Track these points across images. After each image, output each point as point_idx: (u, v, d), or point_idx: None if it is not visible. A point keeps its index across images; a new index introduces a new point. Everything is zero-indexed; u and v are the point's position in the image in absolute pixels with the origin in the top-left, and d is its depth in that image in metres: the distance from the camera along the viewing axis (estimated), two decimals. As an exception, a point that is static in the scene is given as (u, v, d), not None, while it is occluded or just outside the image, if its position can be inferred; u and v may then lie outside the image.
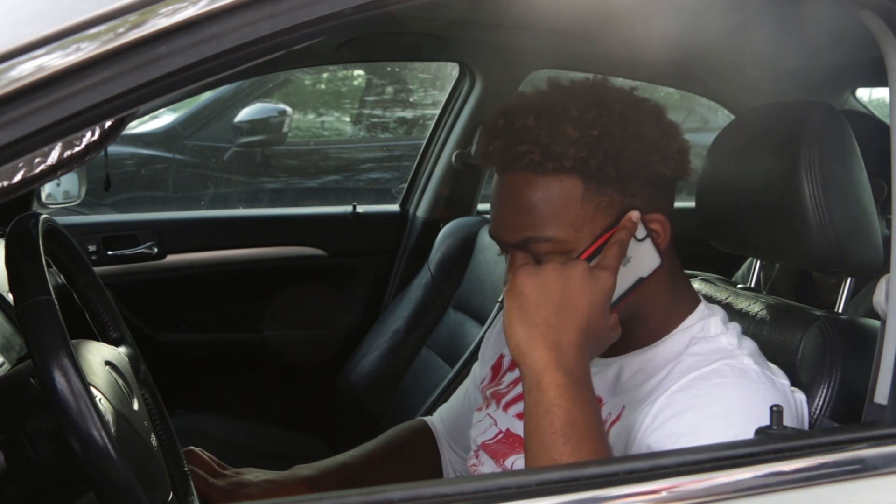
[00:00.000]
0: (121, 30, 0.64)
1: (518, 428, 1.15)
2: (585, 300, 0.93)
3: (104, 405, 0.93)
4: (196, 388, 2.25)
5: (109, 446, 0.84)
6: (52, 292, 0.88)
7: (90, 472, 0.84)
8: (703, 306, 1.10)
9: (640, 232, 1.01)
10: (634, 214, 1.00)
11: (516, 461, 1.12)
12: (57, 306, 0.88)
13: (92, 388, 0.91)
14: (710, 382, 0.97)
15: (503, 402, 1.20)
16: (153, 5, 0.66)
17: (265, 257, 2.50)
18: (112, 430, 0.90)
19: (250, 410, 2.28)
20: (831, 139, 1.16)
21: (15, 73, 0.62)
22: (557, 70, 2.41)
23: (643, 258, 1.02)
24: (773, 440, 0.77)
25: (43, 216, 1.05)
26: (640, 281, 1.02)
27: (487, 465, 1.17)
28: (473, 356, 1.98)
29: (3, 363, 1.36)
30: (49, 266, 1.00)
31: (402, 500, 0.68)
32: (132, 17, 0.66)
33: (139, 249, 2.32)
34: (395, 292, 2.53)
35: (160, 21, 0.65)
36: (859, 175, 1.19)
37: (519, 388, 1.19)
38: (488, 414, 1.22)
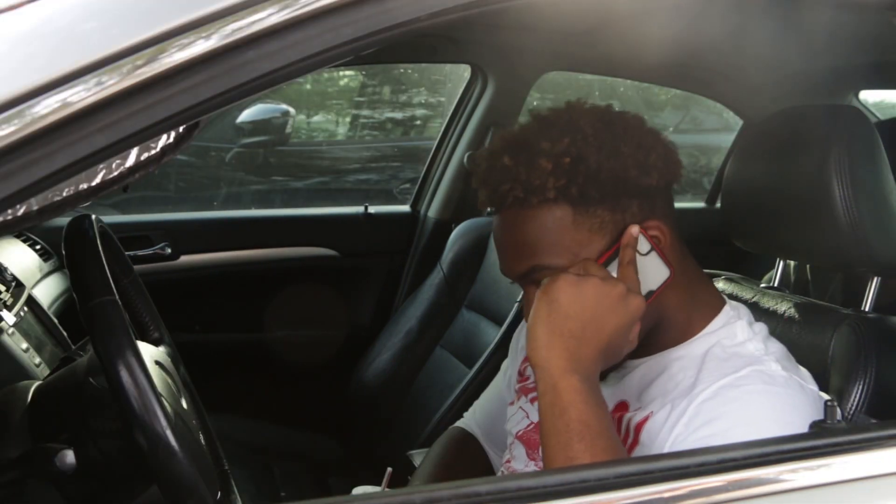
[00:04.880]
0: (213, 36, 0.66)
1: None
2: (615, 321, 0.95)
3: (165, 403, 0.94)
4: (210, 389, 2.25)
5: (175, 443, 0.86)
6: (115, 292, 0.90)
7: (157, 469, 0.86)
8: (728, 308, 1.10)
9: (643, 246, 1.01)
10: (634, 229, 1.01)
11: None
12: (121, 306, 0.89)
13: (152, 387, 0.92)
14: (739, 390, 0.98)
15: (530, 395, 1.23)
16: (242, 11, 0.67)
17: (277, 258, 2.51)
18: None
19: (265, 410, 2.29)
20: (860, 141, 1.18)
21: (112, 79, 0.63)
22: (569, 72, 2.45)
23: (650, 272, 1.02)
24: (829, 434, 0.79)
25: (94, 216, 1.06)
26: (651, 294, 1.02)
27: (519, 459, 1.19)
28: (493, 356, 2.00)
29: (40, 363, 1.37)
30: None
31: (423, 501, 0.69)
32: (219, 24, 0.68)
33: (152, 250, 2.33)
34: (407, 292, 2.54)
35: (251, 27, 0.67)
36: (886, 176, 1.21)
37: None
38: (520, 407, 1.24)
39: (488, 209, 1.08)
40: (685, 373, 1.04)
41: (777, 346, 1.06)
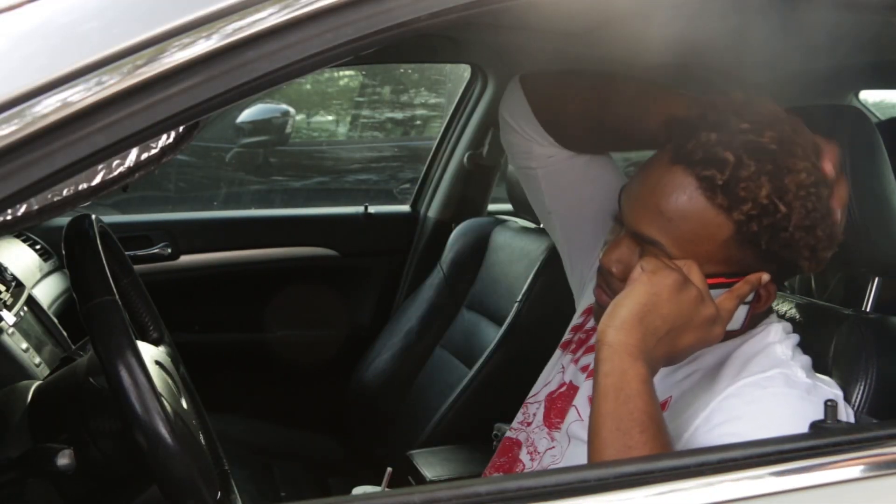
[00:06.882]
0: (213, 36, 0.66)
1: (579, 381, 1.18)
2: (693, 338, 0.95)
3: (165, 403, 0.94)
4: (210, 389, 2.25)
5: (175, 443, 0.85)
6: (115, 292, 0.90)
7: (156, 469, 0.86)
8: (772, 316, 1.11)
9: (749, 295, 1.01)
10: (765, 276, 0.99)
11: (571, 424, 1.15)
12: (121, 306, 0.89)
13: (152, 387, 0.92)
14: (764, 391, 0.98)
15: (575, 356, 1.23)
16: (243, 11, 0.67)
17: (277, 258, 2.50)
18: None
19: (264, 410, 2.29)
20: (861, 142, 1.19)
21: (112, 78, 0.63)
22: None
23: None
24: (829, 434, 0.79)
25: (94, 216, 1.06)
26: None
27: (535, 423, 1.20)
28: (493, 356, 2.01)
29: (40, 363, 1.37)
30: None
31: (423, 502, 0.68)
32: (219, 24, 0.68)
33: (152, 250, 2.33)
34: (407, 292, 2.54)
35: (251, 27, 0.67)
36: (886, 176, 1.22)
37: (592, 342, 1.20)
38: (560, 361, 1.25)
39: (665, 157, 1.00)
40: (710, 362, 1.05)
41: (803, 358, 1.06)
